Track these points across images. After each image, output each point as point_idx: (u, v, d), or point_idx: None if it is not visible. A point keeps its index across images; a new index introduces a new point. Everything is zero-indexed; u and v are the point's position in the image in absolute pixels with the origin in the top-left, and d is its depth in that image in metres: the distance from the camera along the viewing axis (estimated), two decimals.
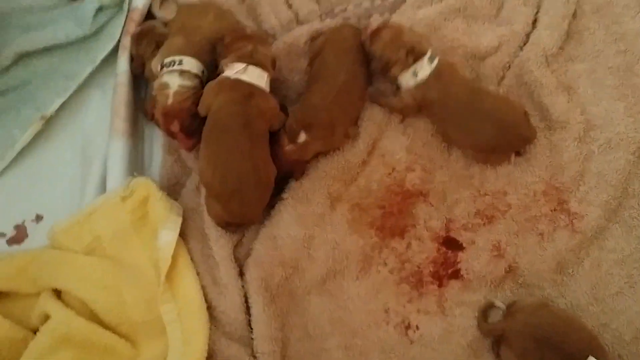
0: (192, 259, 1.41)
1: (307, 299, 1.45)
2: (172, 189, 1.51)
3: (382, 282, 1.47)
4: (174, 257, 1.36)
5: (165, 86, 1.41)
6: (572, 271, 1.45)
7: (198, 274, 1.39)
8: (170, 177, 1.52)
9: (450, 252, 1.49)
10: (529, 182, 1.50)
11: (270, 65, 1.45)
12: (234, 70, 1.40)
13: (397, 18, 1.59)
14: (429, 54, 1.43)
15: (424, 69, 1.43)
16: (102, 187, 1.47)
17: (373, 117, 1.53)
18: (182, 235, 1.43)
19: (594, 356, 1.23)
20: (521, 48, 1.59)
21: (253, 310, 1.38)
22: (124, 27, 1.56)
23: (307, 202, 1.48)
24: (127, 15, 1.56)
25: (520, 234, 1.48)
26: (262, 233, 1.46)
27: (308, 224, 1.46)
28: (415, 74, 1.43)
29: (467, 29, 1.59)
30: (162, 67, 1.43)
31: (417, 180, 1.52)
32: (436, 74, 1.43)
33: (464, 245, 1.49)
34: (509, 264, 1.45)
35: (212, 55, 1.48)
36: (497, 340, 1.38)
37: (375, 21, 1.51)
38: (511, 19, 1.60)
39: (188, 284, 1.36)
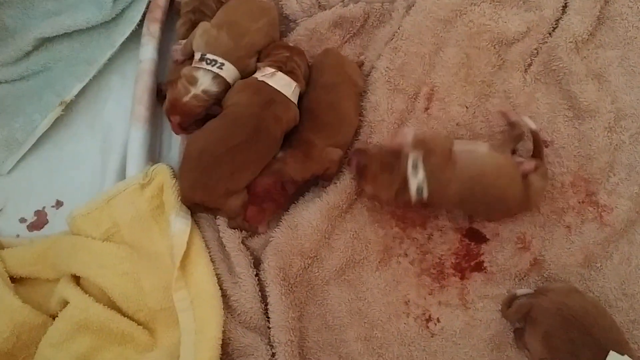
0: (207, 247, 1.39)
1: (326, 289, 1.43)
2: None
3: (402, 274, 1.44)
4: (189, 245, 1.35)
5: (193, 81, 1.39)
6: (600, 265, 1.41)
7: (213, 262, 1.38)
8: None
9: (473, 243, 1.45)
10: (557, 173, 1.46)
11: (302, 76, 1.45)
12: (263, 73, 1.41)
13: (422, 3, 1.54)
14: (410, 162, 1.33)
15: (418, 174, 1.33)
16: (122, 174, 1.46)
17: (395, 106, 1.49)
18: (198, 223, 1.42)
19: (618, 350, 1.20)
20: (550, 34, 1.54)
21: (270, 299, 1.36)
22: (145, 12, 1.54)
23: (335, 192, 1.44)
24: (149, 1, 1.55)
25: (546, 226, 1.44)
26: (283, 221, 1.44)
27: (332, 215, 1.44)
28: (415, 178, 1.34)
29: (494, 13, 1.54)
30: (202, 58, 1.40)
31: None
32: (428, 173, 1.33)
33: (488, 237, 1.45)
34: (534, 257, 1.41)
35: (253, 60, 1.47)
36: (520, 329, 1.35)
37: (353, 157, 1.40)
38: (540, 4, 1.54)
39: (202, 272, 1.34)
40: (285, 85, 1.40)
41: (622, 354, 1.20)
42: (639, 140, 1.45)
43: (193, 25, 1.48)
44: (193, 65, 1.42)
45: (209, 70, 1.39)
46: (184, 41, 1.47)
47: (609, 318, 1.30)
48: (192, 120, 1.41)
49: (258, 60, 1.46)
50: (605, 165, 1.45)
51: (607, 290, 1.39)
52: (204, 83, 1.39)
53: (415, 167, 1.32)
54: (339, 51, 1.54)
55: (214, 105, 1.42)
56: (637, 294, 1.39)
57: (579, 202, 1.44)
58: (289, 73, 1.42)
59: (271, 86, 1.39)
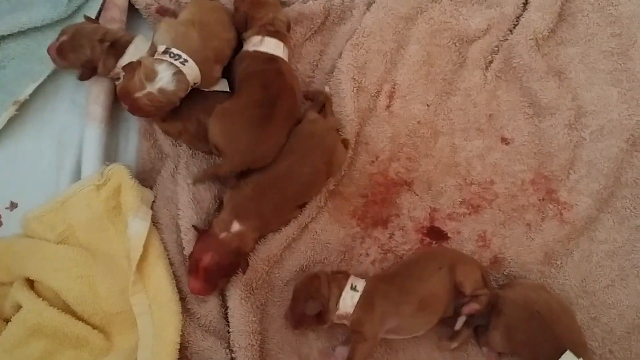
0: (166, 249, 1.37)
1: (286, 290, 1.41)
2: (147, 175, 1.47)
3: (363, 273, 1.43)
4: (146, 248, 1.32)
5: (152, 76, 1.31)
6: (561, 263, 1.41)
7: (172, 265, 1.36)
8: (146, 162, 1.47)
9: (434, 242, 1.44)
10: (517, 171, 1.46)
11: (286, 30, 1.46)
12: (252, 43, 1.42)
13: (382, 0, 1.53)
14: (348, 287, 1.30)
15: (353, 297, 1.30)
16: (78, 174, 1.43)
17: (359, 105, 1.48)
18: (156, 224, 1.39)
19: (576, 352, 1.20)
20: (511, 31, 1.53)
21: (230, 304, 1.34)
22: (100, 10, 1.51)
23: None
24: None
25: (506, 224, 1.44)
26: None
27: (301, 221, 1.41)
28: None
29: (454, 11, 1.54)
30: (165, 51, 1.33)
31: (402, 169, 1.48)
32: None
33: (449, 235, 1.44)
34: (495, 255, 1.41)
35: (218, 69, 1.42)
36: (480, 327, 1.34)
37: None
38: (501, 1, 1.54)
39: (160, 275, 1.32)
40: (275, 46, 1.41)
41: (579, 357, 1.21)
42: (600, 137, 1.45)
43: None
44: (155, 57, 1.33)
45: (171, 63, 1.31)
46: None
47: (573, 319, 1.31)
48: (137, 110, 1.34)
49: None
50: (565, 162, 1.45)
51: (568, 288, 1.39)
52: (163, 79, 1.30)
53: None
54: (336, 134, 1.44)
55: (166, 109, 1.35)
56: (597, 291, 1.39)
57: (539, 200, 1.44)
58: (276, 34, 1.42)
59: (264, 51, 1.39)
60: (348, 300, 1.28)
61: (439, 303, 1.29)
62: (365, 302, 1.28)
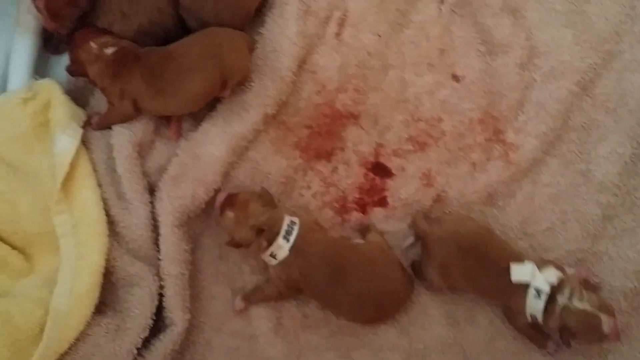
0: (95, 169, 1.29)
1: None
2: (79, 94, 1.38)
3: (303, 206, 1.39)
4: (73, 167, 1.25)
5: None
6: (503, 204, 1.39)
7: (100, 185, 1.28)
8: (78, 80, 1.38)
9: (378, 178, 1.40)
10: (466, 109, 1.42)
11: None
12: None
13: None
14: (282, 231, 1.23)
15: (282, 248, 1.23)
16: (2, 87, 1.34)
17: (305, 30, 1.41)
18: (86, 145, 1.31)
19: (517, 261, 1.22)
20: None
21: (162, 230, 1.28)
22: None
23: (241, 123, 1.35)
24: None
25: (452, 163, 1.41)
26: (183, 149, 1.34)
27: (238, 145, 1.35)
28: (274, 256, 1.24)
29: None
30: None
31: (349, 101, 1.42)
32: (296, 250, 1.23)
33: (393, 172, 1.40)
34: (438, 193, 1.38)
35: None
36: (416, 262, 1.33)
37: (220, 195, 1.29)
38: None
39: (86, 195, 1.25)
40: None
41: (523, 262, 1.22)
42: (550, 79, 1.42)
43: None
44: None
45: None
46: None
47: (501, 240, 1.30)
48: (60, 12, 1.27)
49: None
50: (515, 103, 1.42)
51: (508, 230, 1.38)
52: None
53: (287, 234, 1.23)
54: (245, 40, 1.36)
55: None
56: (537, 233, 1.38)
57: (486, 140, 1.41)
58: None
59: None
60: None
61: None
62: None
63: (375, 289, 1.26)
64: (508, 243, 1.29)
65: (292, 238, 1.23)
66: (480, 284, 1.25)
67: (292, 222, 1.24)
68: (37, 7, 1.30)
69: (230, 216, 1.24)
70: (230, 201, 1.26)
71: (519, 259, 1.23)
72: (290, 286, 1.27)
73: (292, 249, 1.23)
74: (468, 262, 1.24)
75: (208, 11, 1.34)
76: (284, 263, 1.24)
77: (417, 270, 1.32)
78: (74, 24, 1.32)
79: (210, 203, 1.33)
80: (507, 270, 1.21)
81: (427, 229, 1.29)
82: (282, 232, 1.23)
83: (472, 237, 1.25)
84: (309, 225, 1.28)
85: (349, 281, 1.24)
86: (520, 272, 1.21)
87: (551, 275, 1.21)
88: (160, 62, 1.29)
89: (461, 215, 1.34)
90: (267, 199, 1.26)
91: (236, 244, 1.24)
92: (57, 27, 1.31)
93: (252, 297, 1.31)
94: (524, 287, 1.21)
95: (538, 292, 1.19)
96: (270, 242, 1.22)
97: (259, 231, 1.22)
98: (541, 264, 1.24)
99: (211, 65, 1.28)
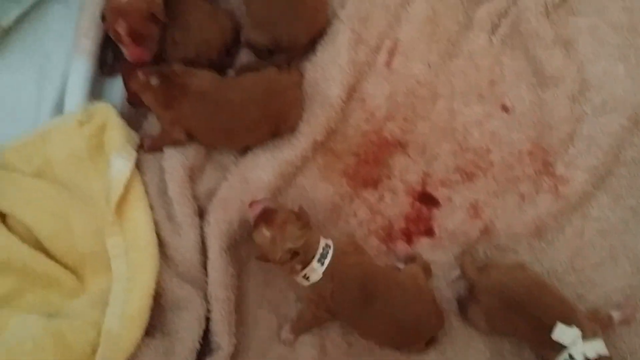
0: (146, 192, 1.31)
1: None
2: (133, 117, 1.41)
3: (349, 234, 1.38)
4: (127, 189, 1.27)
5: None
6: (552, 237, 1.38)
7: (152, 208, 1.30)
8: None
9: (424, 208, 1.40)
10: (515, 141, 1.42)
11: None
12: None
13: None
14: (318, 254, 1.21)
15: (315, 271, 1.21)
16: (59, 109, 1.37)
17: (356, 58, 1.42)
18: (139, 167, 1.33)
19: (564, 322, 1.18)
20: None
21: (210, 254, 1.29)
22: None
23: (290, 148, 1.36)
24: None
25: (500, 195, 1.40)
26: (233, 174, 1.36)
27: (285, 171, 1.36)
28: (307, 278, 1.22)
29: None
30: None
31: (397, 129, 1.43)
32: (329, 272, 1.21)
33: (440, 202, 1.40)
34: (485, 225, 1.37)
35: None
36: (463, 301, 1.32)
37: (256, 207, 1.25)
38: None
39: (139, 217, 1.27)
40: None
41: (571, 325, 1.18)
42: (602, 112, 1.41)
43: None
44: None
45: None
46: None
47: (553, 292, 1.26)
48: (141, 22, 1.27)
49: None
50: (565, 135, 1.41)
51: (557, 264, 1.36)
52: None
53: (322, 258, 1.21)
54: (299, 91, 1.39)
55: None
56: (585, 268, 1.36)
57: (535, 172, 1.40)
58: None
59: None
60: None
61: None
62: None
63: (402, 315, 1.24)
64: (560, 295, 1.25)
65: (327, 261, 1.21)
66: (523, 333, 1.23)
67: (327, 245, 1.23)
68: (118, 36, 1.30)
69: (266, 235, 1.20)
70: (267, 217, 1.21)
71: (569, 316, 1.20)
72: (321, 307, 1.26)
73: (326, 272, 1.22)
74: (513, 314, 1.21)
75: (281, 27, 1.37)
76: (316, 284, 1.23)
77: (462, 307, 1.31)
78: (156, 45, 1.33)
79: None
80: (551, 327, 1.18)
81: (475, 277, 1.28)
82: (317, 256, 1.21)
83: (520, 291, 1.22)
84: (344, 247, 1.27)
85: (378, 304, 1.23)
86: (563, 334, 1.17)
87: (593, 349, 1.16)
88: (213, 101, 1.31)
89: (511, 265, 1.30)
90: (304, 221, 1.24)
91: (267, 260, 1.23)
92: (143, 52, 1.31)
93: (298, 328, 1.31)
94: (561, 345, 1.18)
95: (571, 359, 1.17)
96: (305, 266, 1.21)
97: (294, 254, 1.21)
98: (591, 334, 1.19)
99: (265, 113, 1.31)
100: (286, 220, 1.21)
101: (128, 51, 1.31)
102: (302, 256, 1.20)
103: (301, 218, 1.23)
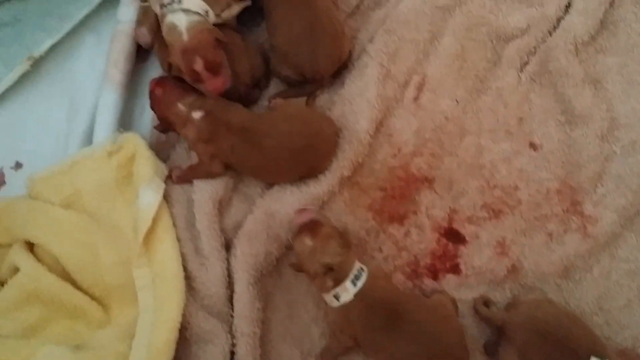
0: (174, 224, 1.31)
1: (294, 282, 1.36)
2: (161, 148, 1.42)
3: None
4: (155, 221, 1.27)
5: (173, 26, 1.26)
6: (579, 277, 1.36)
7: (179, 240, 1.30)
8: (161, 135, 1.42)
9: (450, 244, 1.39)
10: (543, 179, 1.41)
11: None
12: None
13: None
14: (351, 275, 1.21)
15: (347, 291, 1.21)
16: (88, 140, 1.39)
17: (384, 93, 1.42)
18: (167, 199, 1.34)
19: (597, 355, 1.17)
20: (550, 33, 1.48)
21: (237, 288, 1.29)
22: None
23: (316, 183, 1.37)
24: None
25: (527, 233, 1.39)
26: (258, 207, 1.36)
27: (311, 204, 1.36)
28: (337, 297, 1.22)
29: (494, 6, 1.49)
30: (161, 7, 1.29)
31: (424, 165, 1.43)
32: (360, 295, 1.21)
33: (467, 238, 1.39)
34: (512, 263, 1.36)
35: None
36: (491, 343, 1.30)
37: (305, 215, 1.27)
38: (543, 1, 1.49)
39: (166, 250, 1.27)
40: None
41: (604, 358, 1.17)
42: (631, 152, 1.40)
43: None
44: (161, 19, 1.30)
45: (173, 10, 1.26)
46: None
47: (583, 326, 1.25)
48: (212, 52, 1.26)
49: None
50: (594, 174, 1.40)
51: (584, 304, 1.34)
52: (181, 19, 1.25)
53: (355, 279, 1.21)
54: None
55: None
56: (613, 310, 1.34)
57: (564, 211, 1.39)
58: None
59: None
60: None
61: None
62: None
63: (429, 341, 1.22)
64: (590, 328, 1.24)
65: (360, 284, 1.21)
66: None
67: (362, 269, 1.23)
68: (196, 76, 1.28)
69: (308, 244, 1.20)
70: (313, 228, 1.22)
71: (600, 350, 1.19)
72: (345, 331, 1.25)
73: (357, 294, 1.21)
74: (547, 349, 1.19)
75: (304, 57, 1.38)
76: (345, 306, 1.22)
77: (490, 352, 1.30)
78: (229, 70, 1.32)
79: (281, 260, 1.34)
80: (585, 358, 1.17)
81: (503, 317, 1.26)
82: (351, 276, 1.21)
83: (554, 323, 1.21)
84: (375, 272, 1.26)
85: (405, 328, 1.21)
86: None
87: None
88: (250, 141, 1.31)
89: (539, 299, 1.31)
90: (346, 240, 1.24)
91: (300, 270, 1.23)
92: (223, 80, 1.30)
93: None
94: None
95: None
96: (337, 284, 1.21)
97: (329, 270, 1.21)
98: None
99: (299, 159, 1.34)
100: (330, 235, 1.22)
101: (209, 86, 1.29)
102: (335, 273, 1.20)
103: (344, 237, 1.24)
